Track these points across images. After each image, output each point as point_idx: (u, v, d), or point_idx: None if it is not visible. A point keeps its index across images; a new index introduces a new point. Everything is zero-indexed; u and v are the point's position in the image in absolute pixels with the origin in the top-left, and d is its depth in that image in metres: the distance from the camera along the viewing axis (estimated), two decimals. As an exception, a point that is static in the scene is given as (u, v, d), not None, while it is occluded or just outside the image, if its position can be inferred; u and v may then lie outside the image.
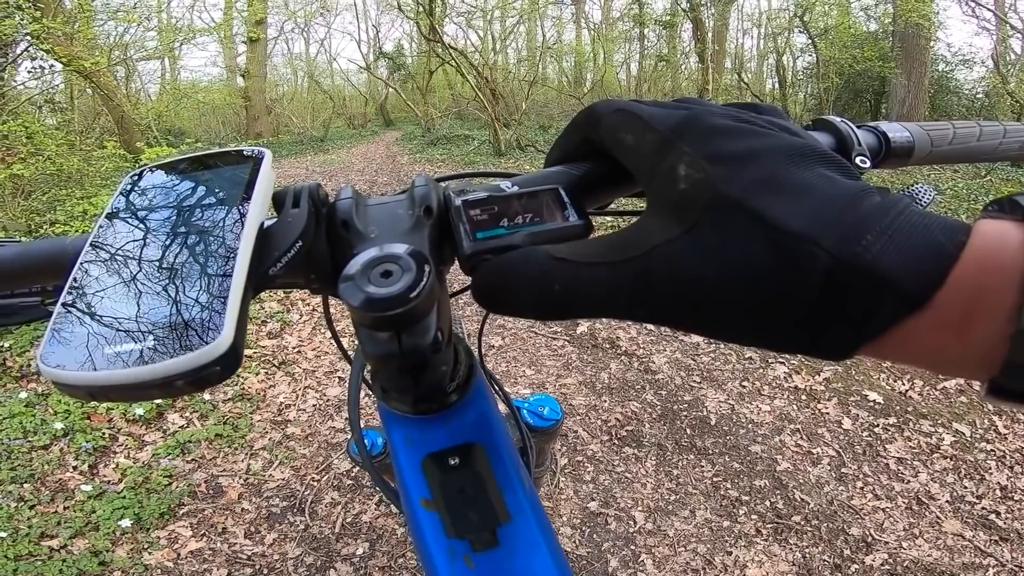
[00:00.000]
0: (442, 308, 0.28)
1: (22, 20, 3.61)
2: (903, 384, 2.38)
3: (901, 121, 0.39)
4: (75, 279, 0.23)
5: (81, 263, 0.24)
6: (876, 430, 2.11)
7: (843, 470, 1.92)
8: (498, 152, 8.65)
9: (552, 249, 0.23)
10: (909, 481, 1.87)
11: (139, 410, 2.14)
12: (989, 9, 7.73)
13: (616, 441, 2.08)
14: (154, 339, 0.20)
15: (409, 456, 0.28)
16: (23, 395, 2.19)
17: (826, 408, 2.24)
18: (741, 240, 0.19)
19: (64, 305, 0.22)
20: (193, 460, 1.99)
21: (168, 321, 0.21)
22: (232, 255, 0.23)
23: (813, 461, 1.97)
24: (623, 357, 2.64)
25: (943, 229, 0.17)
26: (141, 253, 0.24)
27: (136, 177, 0.28)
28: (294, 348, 2.77)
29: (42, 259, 0.30)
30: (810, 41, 8.38)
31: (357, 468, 1.96)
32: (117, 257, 0.24)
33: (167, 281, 0.22)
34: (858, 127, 0.36)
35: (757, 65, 15.25)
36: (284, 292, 3.15)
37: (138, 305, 0.22)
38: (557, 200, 0.28)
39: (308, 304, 3.21)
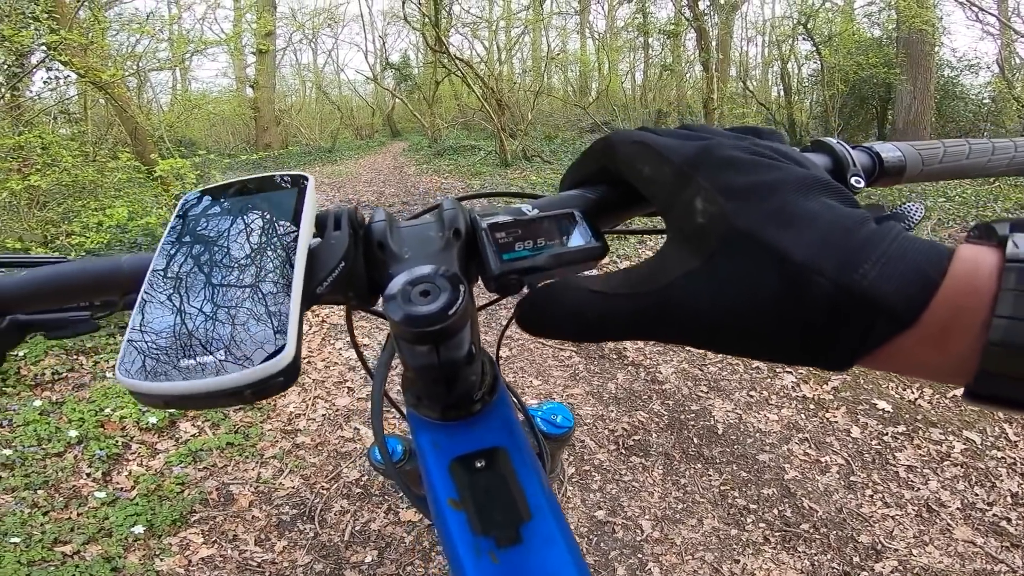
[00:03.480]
0: (473, 323, 0.30)
1: (38, 31, 3.68)
2: (912, 393, 2.37)
3: (894, 141, 0.41)
4: (144, 297, 0.25)
5: (148, 281, 0.26)
6: (885, 438, 2.10)
7: (852, 478, 1.92)
8: (504, 163, 8.65)
9: (587, 282, 0.25)
10: (919, 489, 1.86)
11: (152, 418, 2.17)
12: (992, 14, 7.72)
13: (623, 451, 2.08)
14: (223, 352, 0.22)
15: (437, 459, 0.30)
16: (37, 403, 2.23)
17: (834, 417, 2.24)
18: (754, 270, 0.21)
19: (135, 321, 0.24)
20: (205, 468, 2.01)
21: (235, 335, 0.23)
22: (288, 275, 0.25)
23: (822, 469, 1.96)
24: (630, 367, 2.65)
25: (929, 256, 0.20)
26: (203, 272, 0.26)
27: (192, 200, 0.31)
28: (304, 359, 2.80)
29: (99, 276, 0.32)
30: (814, 48, 8.39)
31: (367, 477, 1.98)
32: (182, 276, 0.26)
33: (230, 298, 0.25)
34: (853, 148, 0.38)
35: (762, 73, 15.29)
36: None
37: (205, 320, 0.24)
38: (576, 223, 0.30)
39: (317, 316, 3.24)
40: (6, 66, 4.34)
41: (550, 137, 11.25)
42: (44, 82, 4.97)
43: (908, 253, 0.20)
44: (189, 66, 12.99)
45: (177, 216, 0.30)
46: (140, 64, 6.14)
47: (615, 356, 2.73)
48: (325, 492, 1.92)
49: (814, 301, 0.20)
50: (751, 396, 2.40)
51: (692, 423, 2.24)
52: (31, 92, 4.62)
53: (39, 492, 1.86)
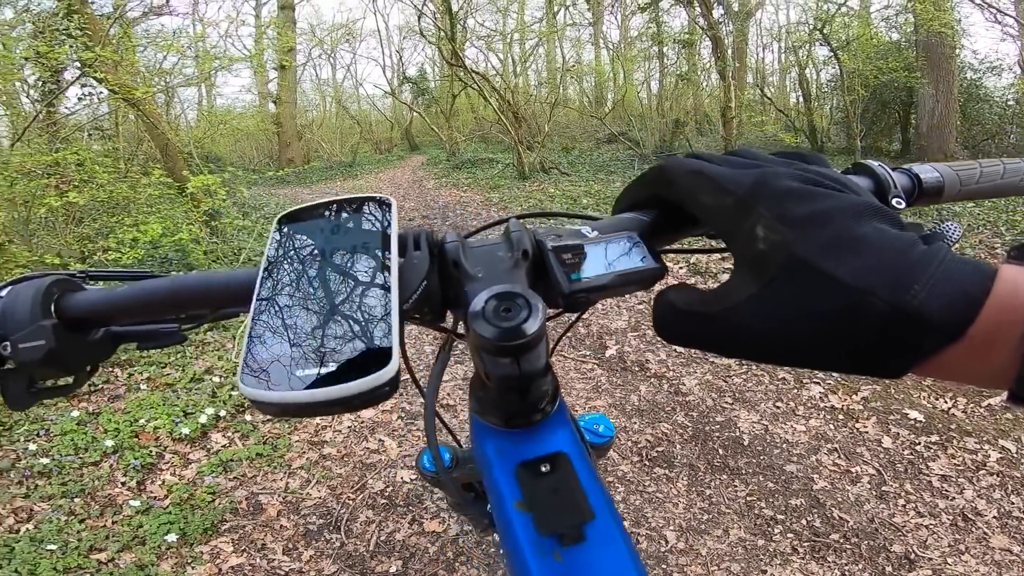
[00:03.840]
0: (546, 337, 0.32)
1: (72, 47, 3.79)
2: (945, 402, 2.32)
3: (932, 163, 0.43)
4: (256, 312, 0.28)
5: (258, 297, 0.28)
6: (918, 448, 2.06)
7: (884, 488, 1.88)
8: (522, 175, 8.64)
9: (674, 298, 0.28)
10: (954, 498, 1.82)
11: (185, 429, 2.22)
12: (1009, 15, 7.55)
13: (647, 462, 2.07)
14: (335, 364, 0.25)
15: (502, 464, 0.32)
16: (75, 413, 2.30)
17: (864, 427, 2.20)
18: (813, 293, 0.23)
19: (251, 334, 0.26)
20: (235, 478, 2.05)
21: (344, 349, 0.25)
22: (386, 292, 0.28)
23: (852, 480, 1.93)
24: (652, 380, 2.63)
25: (973, 277, 0.22)
26: (307, 288, 0.28)
27: (286, 219, 0.33)
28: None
29: (194, 291, 0.35)
30: (832, 54, 8.30)
31: (391, 488, 2.00)
32: (288, 292, 0.28)
33: (335, 313, 0.27)
34: (893, 170, 0.40)
35: (779, 79, 15.16)
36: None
37: (314, 334, 0.26)
38: (634, 245, 0.33)
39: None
40: (42, 82, 4.48)
41: (567, 149, 11.25)
42: (79, 98, 5.10)
43: (955, 274, 0.22)
44: (214, 82, 13.32)
45: (275, 233, 0.32)
46: (168, 80, 6.30)
47: (637, 368, 2.73)
48: (351, 502, 1.94)
49: (869, 320, 0.22)
50: (777, 407, 2.37)
51: (717, 434, 2.22)
52: (64, 109, 4.75)
53: (75, 500, 1.91)
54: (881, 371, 0.23)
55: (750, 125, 9.26)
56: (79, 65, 3.95)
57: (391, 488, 2.00)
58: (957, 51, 7.69)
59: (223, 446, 2.22)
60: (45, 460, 2.05)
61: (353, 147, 15.50)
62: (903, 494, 1.85)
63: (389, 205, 0.33)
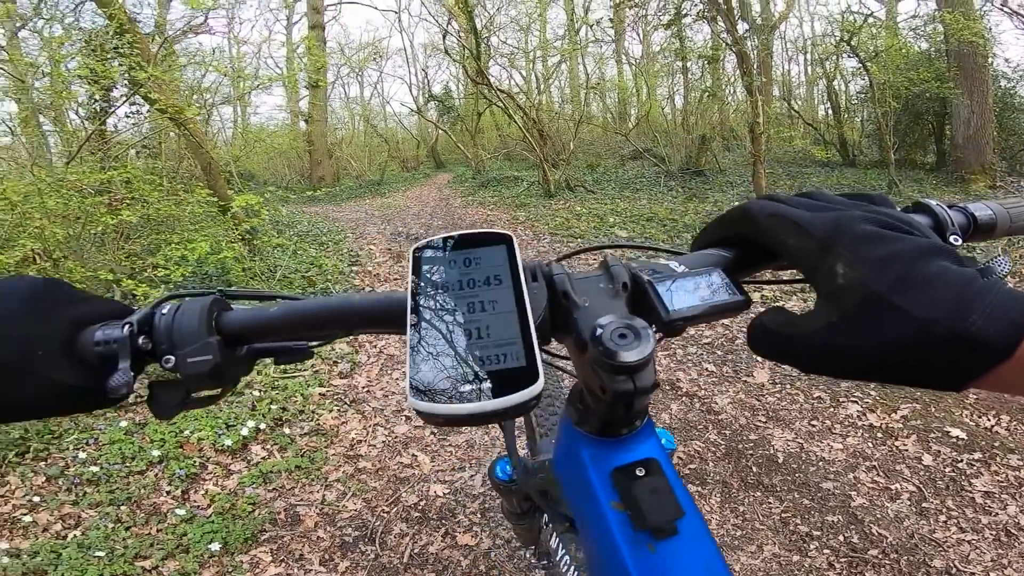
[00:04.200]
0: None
1: (122, 65, 3.90)
2: (988, 420, 2.26)
3: (984, 200, 0.47)
4: (413, 334, 0.32)
5: (411, 320, 0.33)
6: (960, 465, 2.02)
7: (924, 505, 1.85)
8: (548, 193, 8.62)
9: (767, 320, 0.33)
10: (997, 514, 1.77)
11: (227, 441, 2.29)
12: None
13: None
14: (490, 381, 0.29)
15: (598, 469, 0.36)
16: (123, 424, 2.39)
17: (904, 445, 2.15)
18: (885, 322, 0.28)
19: (412, 355, 0.31)
20: (274, 489, 2.11)
21: (497, 367, 0.30)
22: (523, 317, 0.32)
23: (891, 496, 1.90)
24: (684, 398, 2.62)
25: (1020, 306, 0.26)
26: (455, 312, 0.33)
27: (420, 250, 0.38)
28: (363, 388, 2.91)
29: (333, 314, 0.39)
30: (861, 65, 8.19)
31: (424, 501, 2.03)
32: (437, 315, 0.33)
33: (482, 335, 0.31)
34: (950, 207, 0.44)
35: (807, 91, 15.00)
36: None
37: (467, 354, 0.31)
38: (721, 279, 0.37)
39: (375, 347, 3.36)
40: (94, 100, 4.65)
41: (592, 166, 11.25)
42: (127, 115, 5.27)
43: (1006, 304, 0.26)
44: (249, 101, 13.78)
45: (413, 263, 0.37)
46: (208, 99, 6.48)
47: (668, 387, 2.72)
48: (385, 515, 1.97)
49: (934, 345, 0.27)
50: (813, 425, 2.34)
51: (750, 452, 2.19)
52: (111, 127, 4.92)
53: (122, 508, 1.97)
54: (943, 386, 0.28)
55: (778, 140, 9.16)
56: (128, 83, 4.09)
57: (424, 502, 2.03)
58: (990, 60, 7.51)
59: (263, 458, 2.28)
60: (94, 468, 2.13)
61: (381, 166, 15.76)
62: (944, 510, 1.82)
63: (510, 239, 0.38)
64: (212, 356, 0.36)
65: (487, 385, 0.29)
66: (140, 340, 0.36)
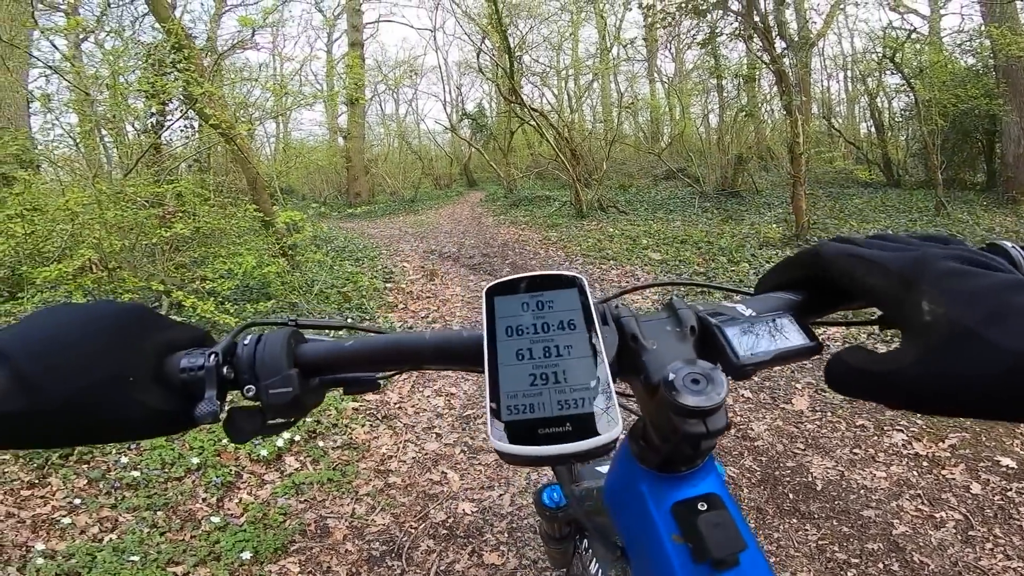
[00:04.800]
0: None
1: (179, 80, 4.05)
2: (1044, 452, 2.13)
3: None
4: (492, 375, 0.33)
5: (489, 362, 0.34)
6: (1009, 494, 1.93)
7: (970, 533, 1.78)
8: (580, 214, 8.61)
9: (848, 358, 0.33)
10: (1050, 547, 1.68)
11: (263, 451, 2.34)
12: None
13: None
14: (570, 424, 0.30)
15: (658, 504, 0.37)
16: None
17: (951, 474, 2.06)
18: (976, 358, 0.28)
19: (492, 396, 0.32)
20: (305, 500, 2.14)
21: (576, 409, 0.31)
22: (600, 362, 0.33)
23: (936, 525, 1.83)
24: (718, 422, 2.56)
25: None
26: (532, 353, 0.34)
27: (493, 291, 0.39)
28: (395, 404, 2.94)
29: (405, 350, 0.41)
30: (905, 82, 7.97)
31: (452, 519, 2.02)
32: (515, 356, 0.34)
33: (559, 379, 0.33)
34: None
35: (847, 109, 14.66)
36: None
37: (547, 394, 0.32)
38: (790, 324, 0.37)
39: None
40: (151, 114, 4.87)
41: (624, 186, 11.19)
42: (180, 130, 5.48)
43: None
44: (289, 116, 14.25)
45: (487, 304, 0.38)
46: (254, 114, 6.70)
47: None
48: (413, 531, 1.98)
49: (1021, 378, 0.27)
50: (855, 454, 2.25)
51: (787, 479, 2.12)
52: (166, 141, 5.12)
53: (158, 513, 2.02)
54: None
55: (819, 160, 8.96)
56: (184, 98, 4.27)
57: (452, 519, 2.03)
58: (1042, 75, 7.21)
59: (296, 469, 2.32)
60: (135, 473, 2.20)
61: (415, 183, 16.04)
62: (991, 538, 1.75)
63: (582, 283, 0.39)
64: (292, 388, 0.37)
65: (568, 428, 0.30)
66: (224, 370, 0.37)
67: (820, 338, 0.37)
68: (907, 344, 0.31)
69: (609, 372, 0.33)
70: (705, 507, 0.35)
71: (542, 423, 0.30)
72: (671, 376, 0.32)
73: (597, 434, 0.30)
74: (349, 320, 4.10)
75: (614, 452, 0.44)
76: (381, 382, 0.46)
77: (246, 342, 0.39)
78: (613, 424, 0.30)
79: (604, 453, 0.30)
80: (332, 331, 0.48)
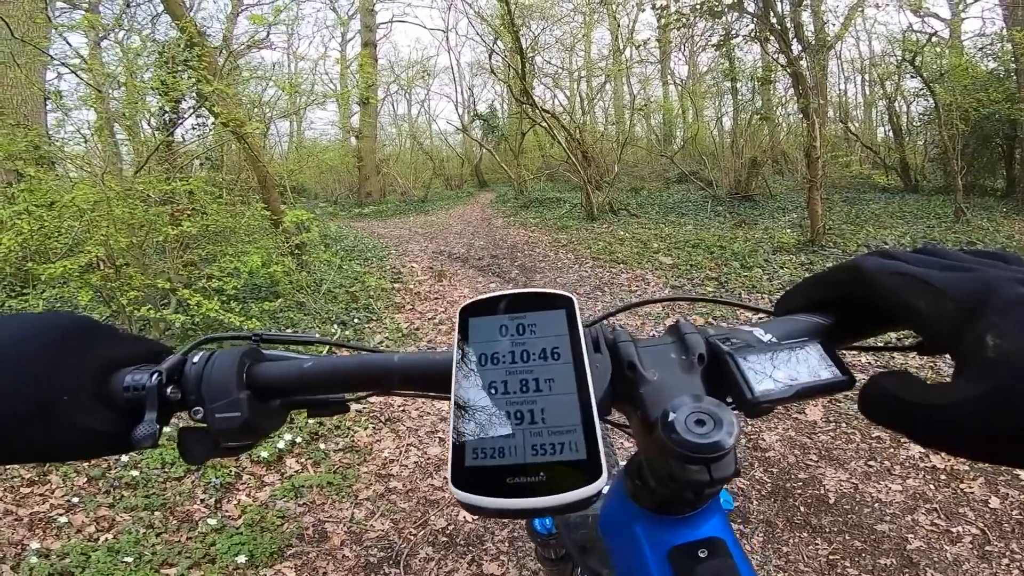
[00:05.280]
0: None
1: (192, 77, 4.02)
2: (1070, 471, 2.05)
3: None
4: (458, 409, 0.29)
5: (457, 395, 0.30)
6: None
7: (987, 548, 1.74)
8: (591, 216, 8.50)
9: (888, 384, 0.28)
10: (1073, 567, 1.62)
11: (263, 452, 2.32)
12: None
13: (721, 516, 1.95)
14: (544, 473, 0.26)
15: (653, 547, 0.32)
16: (167, 430, 2.44)
17: (970, 488, 2.01)
18: None
19: (457, 435, 0.28)
20: (304, 504, 2.10)
21: (552, 457, 0.26)
22: (585, 398, 0.28)
23: (952, 540, 1.79)
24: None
25: None
26: (506, 389, 0.30)
27: (468, 311, 0.34)
28: (399, 407, 2.90)
29: (371, 372, 0.37)
30: (924, 86, 7.82)
31: (453, 526, 1.98)
32: (486, 392, 0.30)
33: (536, 418, 0.28)
34: None
35: (865, 113, 14.45)
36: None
37: (520, 437, 0.27)
38: (817, 353, 0.31)
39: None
40: (164, 111, 4.90)
41: (636, 189, 11.09)
42: (193, 127, 5.50)
43: None
44: (304, 115, 14.32)
45: (460, 326, 0.33)
46: (266, 113, 6.73)
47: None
48: (412, 538, 1.94)
49: None
50: (870, 466, 2.18)
51: (799, 492, 2.06)
52: (178, 138, 5.14)
53: (156, 513, 2.00)
54: None
55: (834, 164, 8.82)
56: (196, 96, 4.29)
57: (453, 527, 1.99)
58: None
59: (296, 471, 2.29)
60: (134, 472, 2.18)
61: (426, 183, 16.07)
62: (1008, 553, 1.71)
63: (572, 303, 0.33)
64: (241, 413, 0.34)
65: (541, 478, 0.26)
66: (169, 390, 0.35)
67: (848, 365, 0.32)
68: (963, 380, 0.26)
69: (597, 412, 0.28)
70: (706, 554, 0.30)
71: (511, 471, 0.26)
72: (671, 415, 0.27)
73: (575, 488, 0.25)
74: (338, 329, 4.07)
75: (613, 483, 0.38)
76: (351, 404, 0.42)
77: (195, 360, 0.36)
78: (596, 475, 0.25)
79: (583, 508, 0.26)
80: (306, 347, 0.44)
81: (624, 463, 0.37)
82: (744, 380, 0.30)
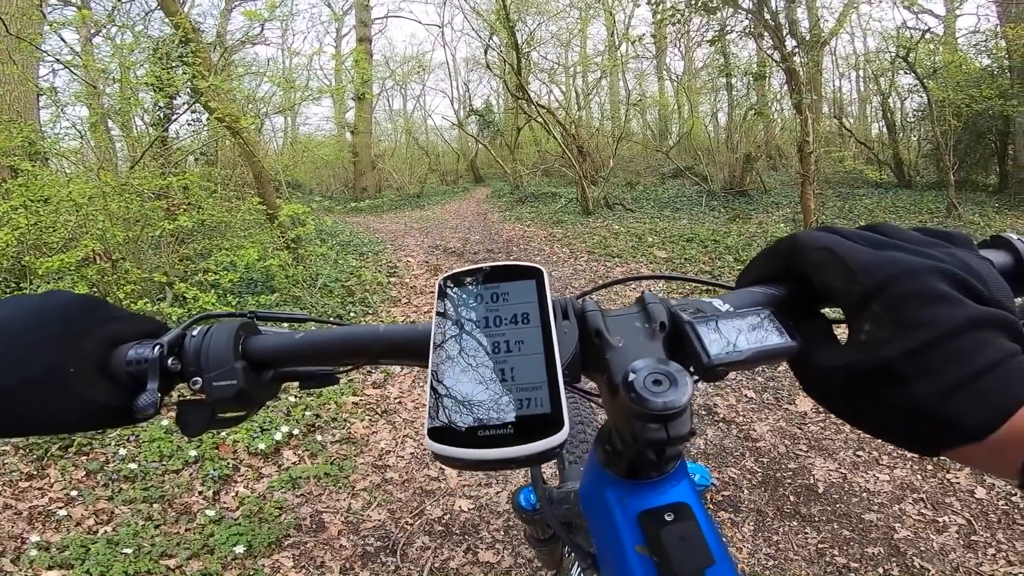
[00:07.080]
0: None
1: (187, 73, 4.07)
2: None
3: None
4: (435, 372, 0.31)
5: (435, 357, 0.32)
6: (1014, 499, 1.92)
7: (973, 538, 1.77)
8: (586, 211, 8.52)
9: (810, 348, 0.32)
10: (1054, 553, 1.66)
11: (261, 444, 2.34)
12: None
13: (711, 505, 1.98)
14: (512, 427, 0.28)
15: (624, 512, 0.34)
16: (164, 423, 2.46)
17: (956, 478, 2.04)
18: (885, 390, 0.27)
19: (433, 393, 0.30)
20: (302, 495, 2.13)
21: (519, 411, 0.29)
22: (551, 359, 0.31)
23: (938, 529, 1.82)
24: (721, 424, 2.53)
25: (1007, 399, 0.25)
26: (479, 350, 0.32)
27: (449, 281, 0.37)
28: (395, 399, 2.92)
29: (358, 343, 0.39)
30: (918, 82, 7.85)
31: (448, 515, 2.01)
32: (460, 352, 0.32)
33: (506, 374, 0.31)
34: None
35: (859, 109, 14.47)
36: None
37: (490, 394, 0.30)
38: (770, 321, 0.34)
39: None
40: (159, 107, 4.88)
41: (631, 184, 11.10)
42: (188, 123, 5.47)
43: (1004, 390, 0.25)
44: (299, 111, 14.22)
45: (439, 296, 0.36)
46: (261, 109, 6.69)
47: (704, 412, 2.63)
48: (408, 527, 1.96)
49: (920, 419, 0.26)
50: (858, 456, 2.22)
51: (788, 481, 2.09)
52: (173, 134, 5.11)
53: (154, 506, 2.02)
54: (921, 452, 0.28)
55: (828, 160, 8.85)
56: (191, 92, 4.29)
57: (448, 516, 2.01)
58: (1059, 77, 7.09)
59: (293, 463, 2.31)
60: (132, 465, 2.20)
61: (421, 178, 16.02)
62: (994, 543, 1.74)
63: (541, 274, 0.36)
64: (237, 381, 0.36)
65: (509, 431, 0.28)
66: (169, 361, 0.37)
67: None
68: (840, 350, 0.30)
69: (561, 373, 0.30)
70: (672, 517, 0.33)
71: (483, 425, 0.28)
72: (631, 375, 0.30)
73: (540, 438, 0.27)
74: (331, 314, 4.09)
75: (589, 456, 0.41)
76: (339, 377, 0.44)
77: (194, 333, 0.38)
78: (559, 427, 0.27)
79: (548, 459, 0.28)
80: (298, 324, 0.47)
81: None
82: (701, 345, 0.33)
